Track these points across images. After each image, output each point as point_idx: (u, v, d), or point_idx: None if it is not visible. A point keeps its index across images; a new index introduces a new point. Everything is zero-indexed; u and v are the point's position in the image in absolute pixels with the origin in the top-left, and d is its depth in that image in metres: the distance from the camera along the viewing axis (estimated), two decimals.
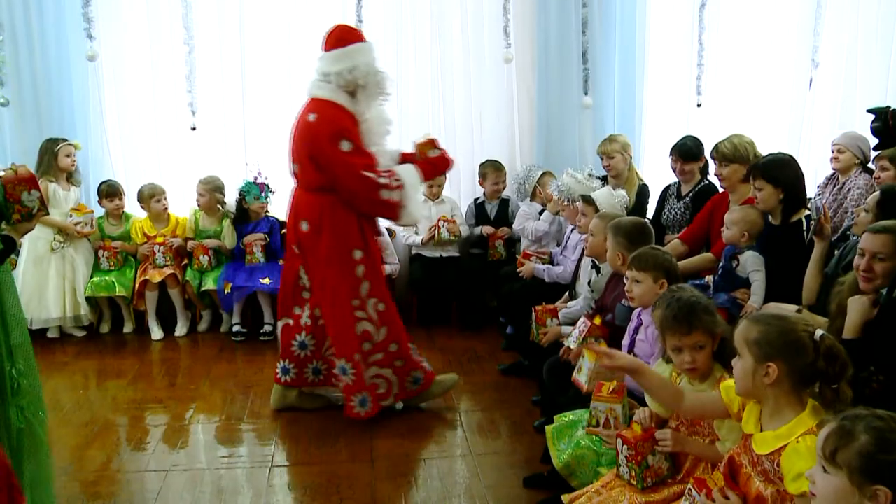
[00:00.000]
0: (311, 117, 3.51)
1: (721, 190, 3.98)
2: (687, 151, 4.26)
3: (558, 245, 4.54)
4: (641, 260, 2.77)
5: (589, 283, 3.63)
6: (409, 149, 3.86)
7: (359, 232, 3.59)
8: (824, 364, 1.81)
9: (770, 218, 3.33)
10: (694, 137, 4.37)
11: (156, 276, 4.94)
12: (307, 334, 3.70)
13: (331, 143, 3.45)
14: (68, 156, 4.89)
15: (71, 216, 4.88)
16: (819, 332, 1.85)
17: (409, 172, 3.63)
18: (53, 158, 4.85)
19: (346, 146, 3.45)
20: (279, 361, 3.79)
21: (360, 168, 3.48)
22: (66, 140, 4.91)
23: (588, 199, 3.86)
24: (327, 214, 3.54)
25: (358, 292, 3.59)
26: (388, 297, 3.70)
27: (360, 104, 3.54)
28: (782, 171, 3.28)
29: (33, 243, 4.84)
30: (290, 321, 3.74)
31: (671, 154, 4.34)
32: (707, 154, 4.17)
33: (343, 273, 3.56)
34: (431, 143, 3.79)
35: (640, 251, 2.83)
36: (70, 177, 4.99)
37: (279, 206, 5.24)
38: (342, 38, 3.56)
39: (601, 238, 3.46)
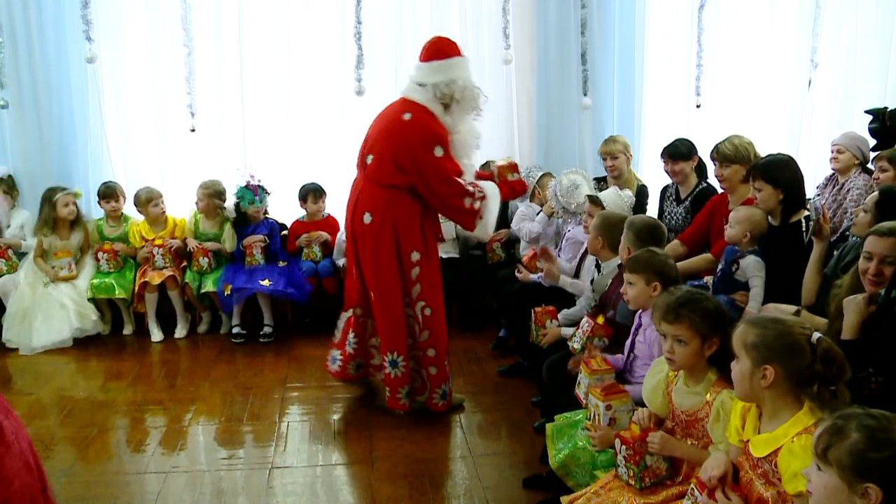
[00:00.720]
0: (407, 116, 3.53)
1: (720, 191, 3.98)
2: (675, 151, 4.26)
3: (556, 246, 4.54)
4: (635, 262, 2.77)
5: (591, 282, 3.63)
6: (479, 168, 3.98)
7: (420, 234, 3.61)
8: (822, 367, 1.82)
9: (769, 218, 3.32)
10: (683, 139, 4.37)
11: (155, 278, 4.93)
12: (354, 332, 3.80)
13: (424, 145, 3.49)
14: (66, 205, 4.91)
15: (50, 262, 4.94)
16: (816, 335, 1.85)
17: (491, 188, 3.73)
18: (52, 209, 4.88)
19: (439, 152, 3.50)
20: (334, 349, 3.90)
21: (451, 173, 3.53)
22: (64, 189, 4.93)
23: (595, 200, 3.87)
24: (391, 211, 3.55)
25: (409, 291, 3.63)
26: (439, 304, 3.71)
27: (454, 116, 3.57)
28: (781, 172, 3.28)
29: (25, 272, 4.89)
30: (352, 316, 3.82)
31: (661, 157, 4.35)
32: (704, 155, 4.17)
33: (398, 271, 3.58)
34: (512, 168, 3.90)
35: (636, 253, 2.83)
36: (74, 224, 5.00)
37: (279, 207, 5.26)
38: (441, 49, 3.59)
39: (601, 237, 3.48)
